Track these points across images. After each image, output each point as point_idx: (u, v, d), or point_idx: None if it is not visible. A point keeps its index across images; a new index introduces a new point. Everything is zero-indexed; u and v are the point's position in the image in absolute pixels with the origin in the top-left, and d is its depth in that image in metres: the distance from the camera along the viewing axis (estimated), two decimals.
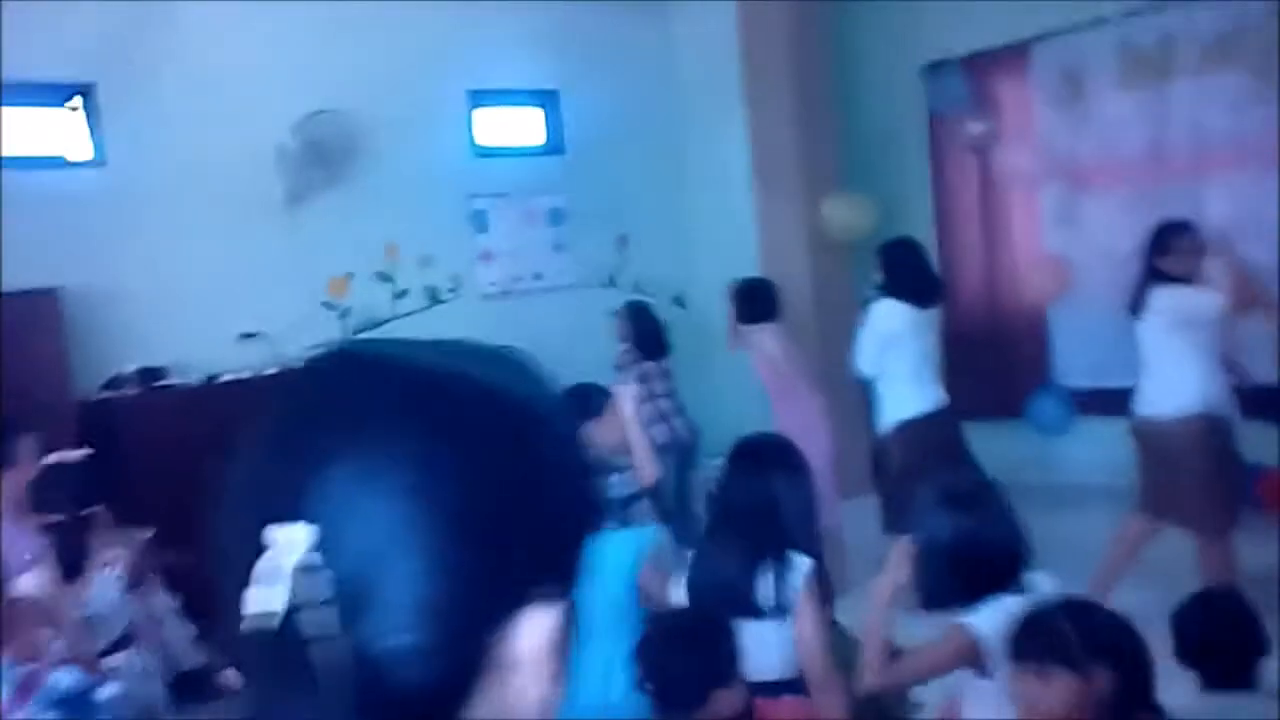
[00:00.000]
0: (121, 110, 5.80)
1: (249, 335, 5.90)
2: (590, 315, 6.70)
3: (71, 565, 3.90)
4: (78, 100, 5.75)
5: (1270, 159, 6.25)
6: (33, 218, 5.38)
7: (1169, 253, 4.44)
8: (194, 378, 5.70)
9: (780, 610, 2.67)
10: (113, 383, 5.54)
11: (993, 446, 5.79)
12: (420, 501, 0.56)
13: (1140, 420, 4.52)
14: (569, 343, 6.76)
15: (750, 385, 5.69)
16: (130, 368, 5.56)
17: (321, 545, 0.55)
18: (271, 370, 5.66)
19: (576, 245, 7.45)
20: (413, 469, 0.56)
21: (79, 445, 4.61)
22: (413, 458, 0.57)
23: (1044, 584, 2.46)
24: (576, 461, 0.65)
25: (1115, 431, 4.78)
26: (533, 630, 0.59)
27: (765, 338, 5.40)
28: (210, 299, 5.83)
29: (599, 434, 3.64)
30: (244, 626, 0.54)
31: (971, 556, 2.41)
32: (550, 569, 0.61)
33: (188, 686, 4.26)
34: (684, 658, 2.41)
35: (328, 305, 6.44)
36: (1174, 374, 4.37)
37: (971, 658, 2.42)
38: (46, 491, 4.23)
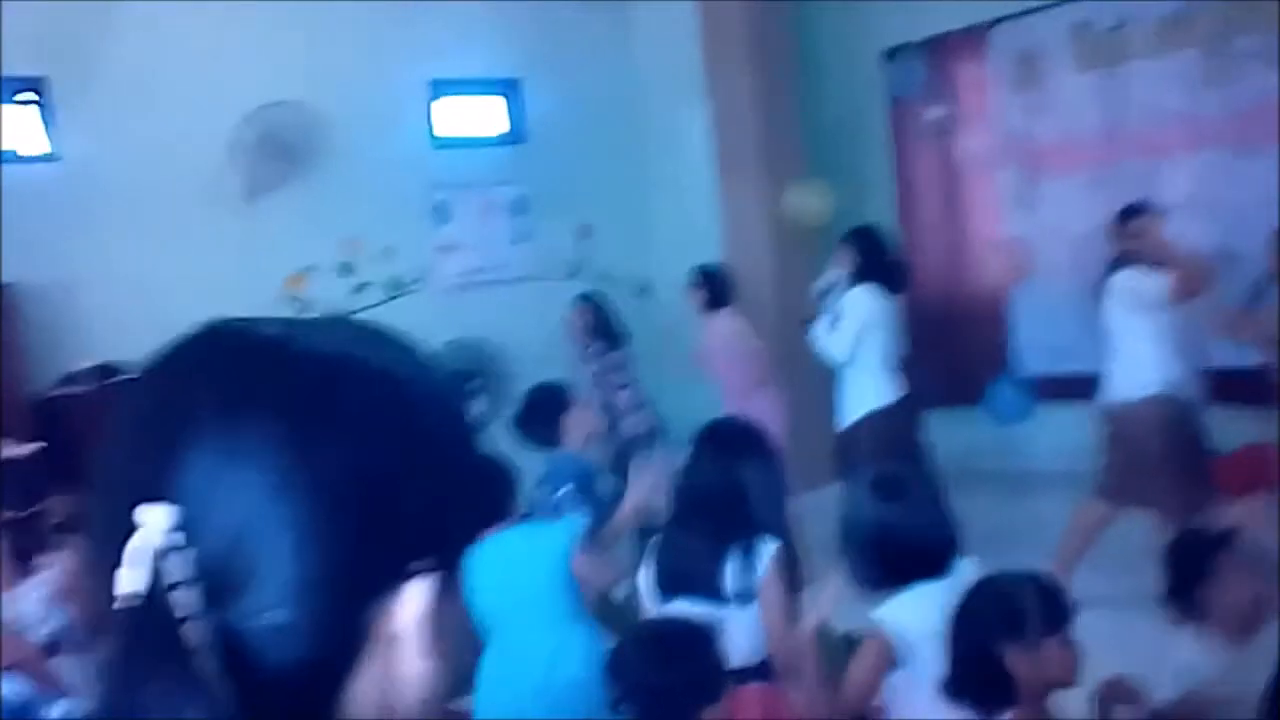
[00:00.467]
0: (75, 104, 5.71)
1: None
2: (554, 306, 6.66)
3: (23, 563, 3.82)
4: (30, 94, 5.65)
5: (1224, 138, 6.33)
6: None
7: (1129, 235, 4.49)
8: None
9: (747, 595, 2.66)
10: (68, 379, 5.47)
11: (954, 434, 5.84)
12: (290, 478, 0.56)
13: (1106, 404, 4.57)
14: (532, 333, 6.76)
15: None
16: (86, 363, 5.48)
17: (187, 525, 0.54)
18: None
19: (539, 236, 7.41)
20: (282, 445, 0.56)
21: (33, 441, 4.55)
22: (281, 434, 0.56)
23: (970, 570, 2.44)
24: (456, 438, 0.65)
25: (1076, 417, 4.83)
26: (413, 605, 0.59)
27: (721, 324, 5.42)
28: (167, 294, 5.72)
29: (567, 428, 3.65)
30: (114, 608, 0.54)
31: (895, 543, 2.43)
32: (431, 544, 0.61)
33: None
34: (667, 672, 2.22)
35: (287, 299, 6.37)
36: (1136, 356, 4.42)
37: (892, 655, 2.44)
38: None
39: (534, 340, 6.66)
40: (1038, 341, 6.86)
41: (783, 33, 7.38)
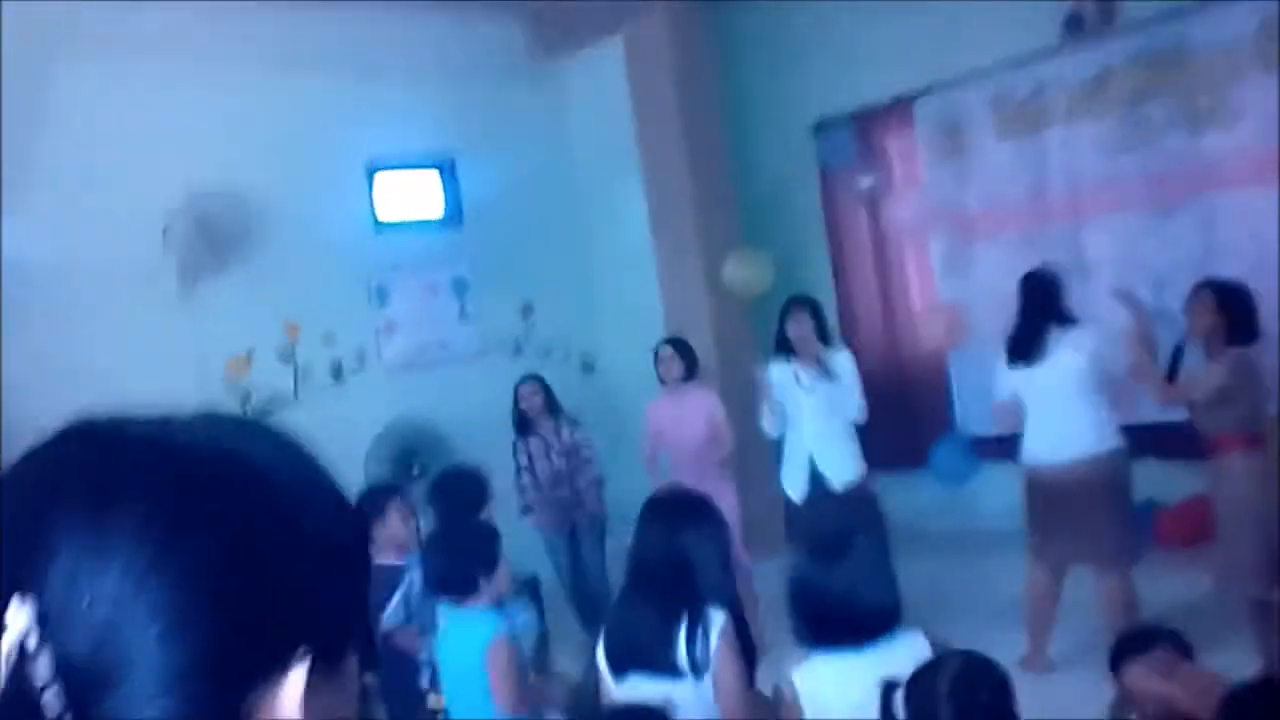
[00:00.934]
0: (8, 191, 5.66)
1: None
2: (498, 383, 6.66)
3: None
4: None
5: (1142, 200, 6.55)
6: None
7: (1056, 298, 4.66)
8: None
9: (698, 668, 2.65)
10: None
11: (900, 496, 5.90)
12: (155, 571, 0.56)
13: (1038, 466, 4.64)
14: (477, 411, 6.74)
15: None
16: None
17: (52, 623, 0.54)
18: None
19: (481, 314, 7.44)
20: (146, 538, 0.56)
21: None
22: (145, 527, 0.56)
23: (913, 644, 2.43)
24: (330, 529, 0.65)
25: (1018, 476, 4.90)
26: (294, 694, 0.59)
27: (698, 394, 5.55)
28: (105, 385, 5.63)
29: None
30: None
31: (828, 604, 2.45)
32: (306, 633, 0.61)
33: None
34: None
35: (230, 386, 6.31)
36: (1076, 416, 4.53)
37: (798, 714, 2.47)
38: None
39: (478, 417, 6.65)
40: (978, 403, 6.96)
41: (713, 106, 7.55)
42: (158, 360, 5.88)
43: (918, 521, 6.30)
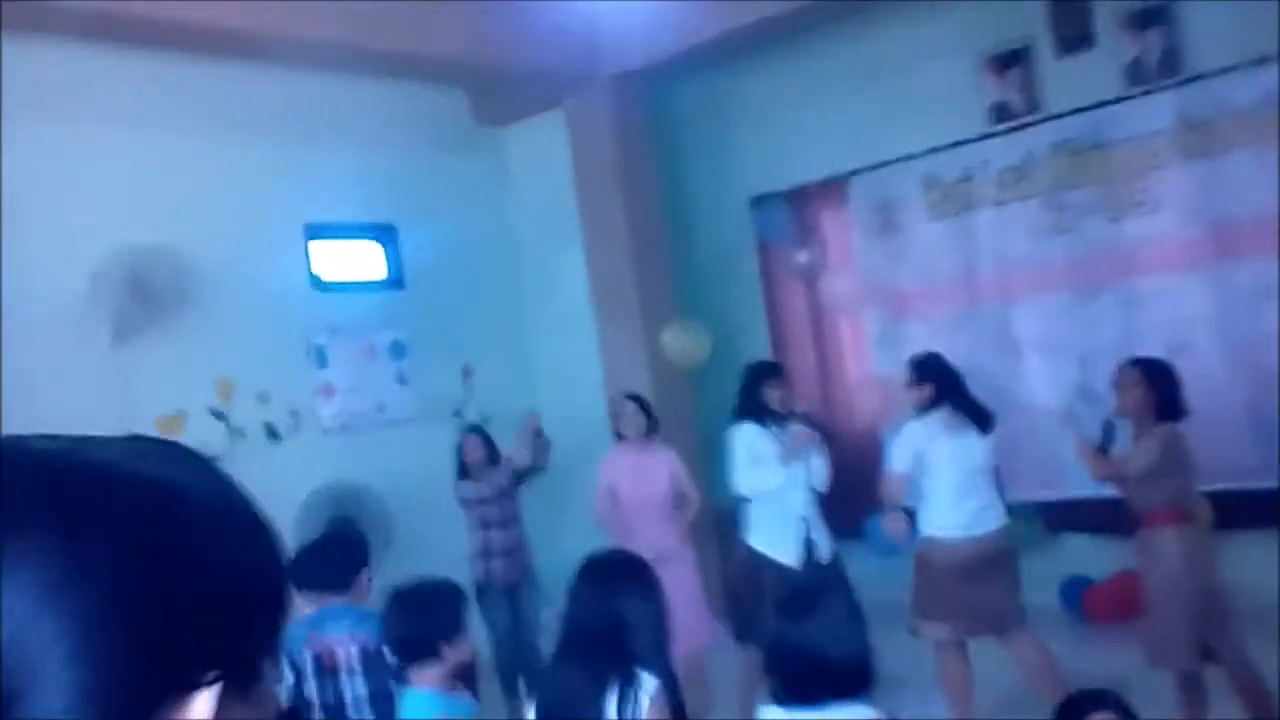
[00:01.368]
0: None
1: None
2: (436, 448, 6.64)
3: None
4: None
5: (1067, 282, 6.78)
6: None
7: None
8: None
9: None
10: None
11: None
12: (60, 588, 0.56)
13: (956, 540, 4.73)
14: (414, 476, 6.70)
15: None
16: None
17: None
18: None
19: (420, 378, 7.41)
20: (51, 556, 0.56)
21: None
22: (51, 544, 0.56)
23: (864, 712, 2.46)
24: (248, 552, 0.65)
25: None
26: (203, 715, 0.59)
27: (663, 452, 5.56)
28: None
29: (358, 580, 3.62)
30: None
31: (806, 659, 2.48)
32: (215, 655, 0.60)
33: None
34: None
35: None
36: (989, 490, 4.75)
37: None
38: None
39: (416, 482, 6.61)
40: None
41: (653, 177, 7.68)
42: (86, 417, 5.76)
43: (856, 592, 6.34)
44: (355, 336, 7.20)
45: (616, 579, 2.84)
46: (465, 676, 3.23)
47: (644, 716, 2.65)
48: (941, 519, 4.76)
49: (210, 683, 0.60)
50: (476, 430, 6.16)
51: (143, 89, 6.30)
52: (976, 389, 5.08)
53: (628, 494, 5.45)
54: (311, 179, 7.03)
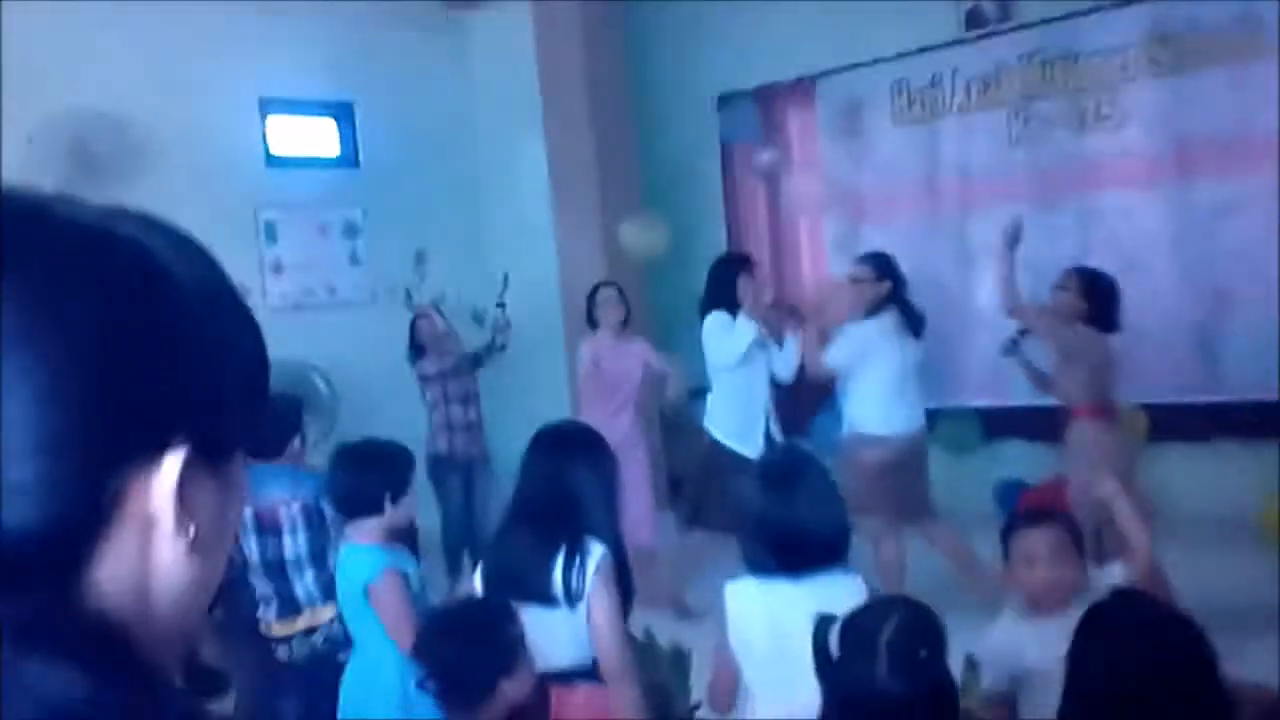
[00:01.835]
0: None
1: None
2: (386, 330, 6.57)
3: None
4: None
5: (1029, 194, 6.78)
6: None
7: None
8: None
9: (574, 598, 2.66)
10: None
11: None
12: (29, 333, 0.55)
13: (892, 436, 4.88)
14: (364, 357, 6.64)
15: (549, 398, 5.71)
16: None
17: None
18: None
19: (372, 259, 7.30)
20: (21, 300, 0.55)
21: None
22: (21, 290, 0.55)
23: (848, 584, 2.48)
24: (217, 317, 0.64)
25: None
26: (167, 485, 0.59)
27: (637, 343, 5.62)
28: None
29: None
30: None
31: (784, 532, 2.51)
32: (181, 418, 0.59)
33: None
34: (465, 647, 2.32)
35: None
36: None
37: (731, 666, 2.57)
38: None
39: (365, 364, 6.55)
40: None
41: (618, 72, 7.54)
42: None
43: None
44: (307, 214, 7.05)
45: (569, 448, 2.85)
46: (405, 541, 3.26)
47: (590, 584, 2.67)
48: (877, 417, 4.87)
49: (176, 447, 0.59)
50: (432, 308, 6.13)
51: None
52: (929, 295, 5.14)
53: (606, 377, 5.50)
54: (268, 51, 6.82)
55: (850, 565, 2.59)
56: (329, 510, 3.40)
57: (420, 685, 2.39)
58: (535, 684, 2.44)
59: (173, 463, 0.58)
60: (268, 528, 3.48)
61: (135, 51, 6.21)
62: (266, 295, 6.86)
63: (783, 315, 5.31)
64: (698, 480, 5.30)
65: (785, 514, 2.53)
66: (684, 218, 7.48)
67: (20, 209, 0.59)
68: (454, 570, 5.84)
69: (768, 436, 5.21)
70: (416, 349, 6.00)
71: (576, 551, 2.68)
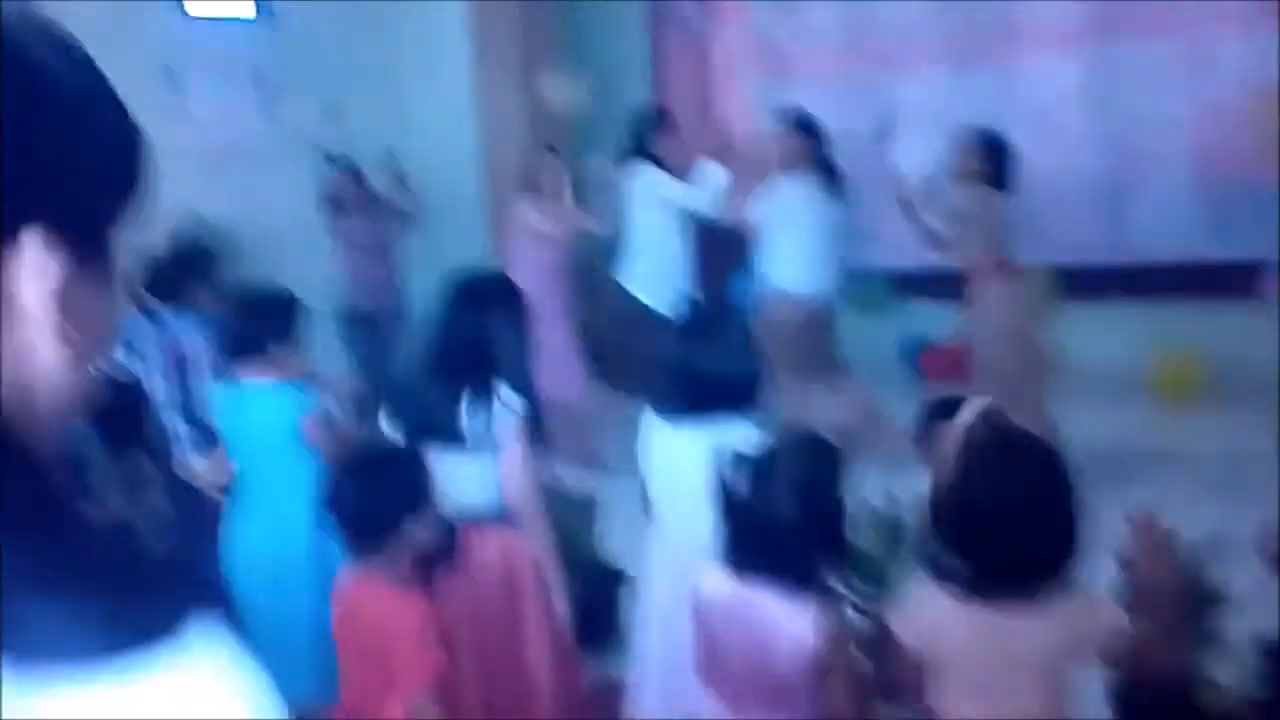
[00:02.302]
0: None
1: None
2: (298, 185, 6.43)
3: None
4: None
5: (951, 57, 6.76)
6: None
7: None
8: None
9: (483, 442, 2.70)
10: None
11: None
12: None
13: (793, 296, 4.95)
14: (275, 212, 6.51)
15: (469, 253, 5.67)
16: None
17: None
18: None
19: (284, 115, 7.07)
20: None
21: None
22: None
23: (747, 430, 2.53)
24: (97, 117, 0.63)
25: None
26: (36, 271, 0.58)
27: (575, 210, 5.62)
28: None
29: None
30: None
31: (695, 374, 2.57)
32: (47, 203, 0.59)
33: None
34: (369, 489, 2.34)
35: None
36: (829, 252, 5.00)
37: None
38: None
39: (276, 218, 6.43)
40: None
41: None
42: None
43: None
44: (217, 65, 6.78)
45: (485, 295, 2.85)
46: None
47: (505, 429, 2.71)
48: (797, 274, 4.91)
49: (35, 231, 0.57)
50: (346, 165, 6.02)
51: None
52: (847, 155, 5.14)
53: (545, 242, 5.50)
54: None
55: (761, 416, 2.66)
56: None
57: (330, 530, 2.43)
58: (444, 526, 2.49)
59: (34, 250, 0.57)
60: (173, 365, 3.61)
61: None
62: (174, 148, 6.63)
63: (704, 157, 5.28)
64: (612, 336, 5.34)
65: (696, 358, 2.59)
66: (609, 73, 7.34)
67: None
68: (362, 418, 5.89)
69: (685, 294, 5.25)
70: (333, 203, 5.92)
71: (487, 395, 2.71)
